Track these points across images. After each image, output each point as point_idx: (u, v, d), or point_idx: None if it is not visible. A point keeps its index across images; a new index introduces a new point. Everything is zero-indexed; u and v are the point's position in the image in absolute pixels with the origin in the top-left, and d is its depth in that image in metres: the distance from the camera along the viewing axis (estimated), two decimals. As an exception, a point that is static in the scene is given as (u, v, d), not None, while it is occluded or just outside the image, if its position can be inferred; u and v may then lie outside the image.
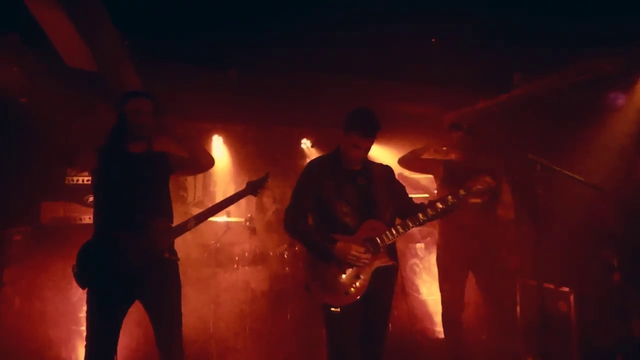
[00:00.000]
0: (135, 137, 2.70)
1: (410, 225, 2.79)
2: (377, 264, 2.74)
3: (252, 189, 2.99)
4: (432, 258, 5.46)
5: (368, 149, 2.81)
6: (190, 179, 5.99)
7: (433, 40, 3.98)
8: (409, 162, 3.94)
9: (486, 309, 4.01)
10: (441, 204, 2.83)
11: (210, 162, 3.00)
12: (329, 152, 2.96)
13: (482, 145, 4.04)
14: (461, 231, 3.80)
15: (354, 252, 2.63)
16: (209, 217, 2.81)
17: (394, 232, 2.76)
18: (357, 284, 2.68)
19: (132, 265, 2.53)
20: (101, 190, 2.69)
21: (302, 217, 2.81)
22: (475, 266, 3.86)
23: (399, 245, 2.93)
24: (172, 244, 2.73)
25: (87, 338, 2.55)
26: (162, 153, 2.84)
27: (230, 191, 5.74)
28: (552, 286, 3.94)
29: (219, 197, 5.59)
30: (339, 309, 2.66)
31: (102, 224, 2.64)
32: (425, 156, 3.99)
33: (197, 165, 2.99)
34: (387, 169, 3.01)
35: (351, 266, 2.68)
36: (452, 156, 4.03)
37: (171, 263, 2.71)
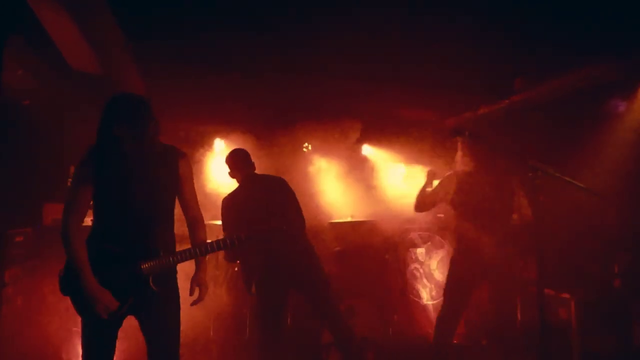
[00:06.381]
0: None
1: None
2: None
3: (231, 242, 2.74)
4: (433, 263, 5.46)
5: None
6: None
7: (434, 47, 4.00)
8: (420, 204, 3.77)
9: (492, 317, 3.93)
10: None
11: None
12: None
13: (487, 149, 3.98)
14: (480, 237, 3.61)
15: None
16: (188, 260, 2.61)
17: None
18: None
19: (122, 283, 2.37)
20: (106, 196, 2.41)
21: None
22: (491, 275, 3.64)
23: (400, 248, 2.92)
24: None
25: (83, 354, 2.43)
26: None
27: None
28: (552, 292, 3.93)
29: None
30: None
31: (100, 232, 2.44)
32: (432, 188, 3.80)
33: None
34: None
35: None
36: (458, 169, 3.95)
37: (172, 274, 2.57)
